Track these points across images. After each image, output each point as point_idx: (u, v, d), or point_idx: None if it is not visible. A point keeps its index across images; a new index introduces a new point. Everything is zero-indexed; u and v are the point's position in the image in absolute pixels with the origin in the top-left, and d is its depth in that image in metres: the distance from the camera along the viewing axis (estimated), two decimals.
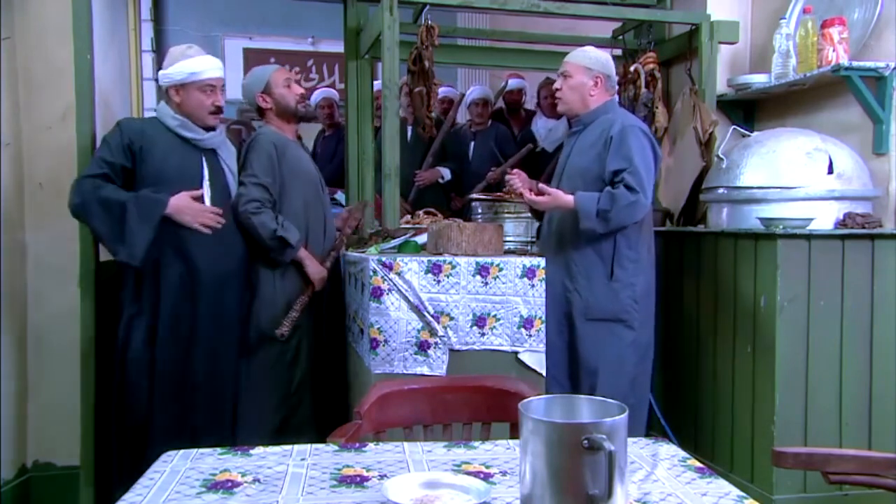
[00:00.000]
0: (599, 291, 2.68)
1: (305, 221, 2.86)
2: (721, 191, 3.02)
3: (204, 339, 2.57)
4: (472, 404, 1.76)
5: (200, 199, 2.59)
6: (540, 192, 2.68)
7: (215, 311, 2.60)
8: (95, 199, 2.47)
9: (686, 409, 3.18)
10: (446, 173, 4.46)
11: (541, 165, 4.40)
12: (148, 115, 3.76)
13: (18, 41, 2.81)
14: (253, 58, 6.43)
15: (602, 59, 2.78)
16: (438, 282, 2.50)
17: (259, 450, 1.39)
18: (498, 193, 3.49)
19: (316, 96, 5.18)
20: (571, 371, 2.74)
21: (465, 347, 2.53)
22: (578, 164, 2.74)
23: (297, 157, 2.90)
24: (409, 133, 4.40)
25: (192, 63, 2.58)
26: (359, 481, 1.23)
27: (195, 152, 2.63)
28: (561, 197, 2.63)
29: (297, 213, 2.83)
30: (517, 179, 2.81)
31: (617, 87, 2.89)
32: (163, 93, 2.67)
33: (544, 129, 4.55)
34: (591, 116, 2.76)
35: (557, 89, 2.81)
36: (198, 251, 2.56)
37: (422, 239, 2.87)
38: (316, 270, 2.82)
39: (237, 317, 2.70)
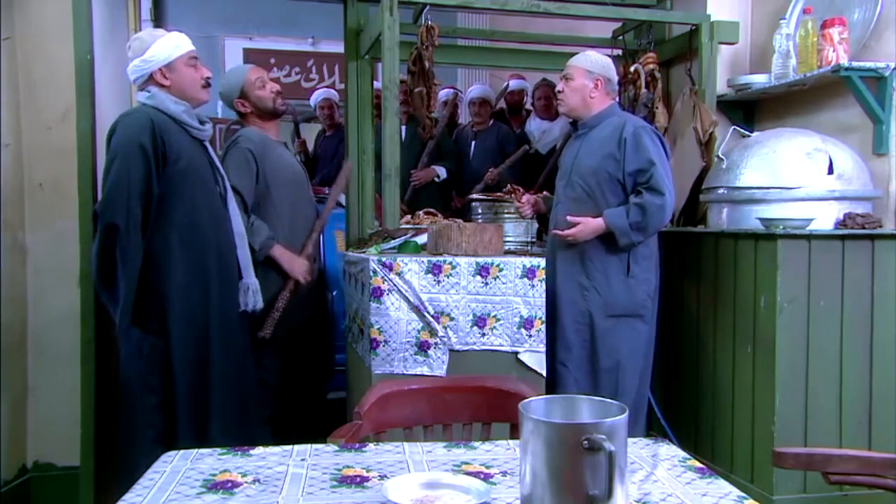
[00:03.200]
0: (617, 287, 2.73)
1: (290, 221, 2.87)
2: (721, 191, 3.02)
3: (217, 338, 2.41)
4: (473, 404, 1.76)
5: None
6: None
7: (224, 310, 2.46)
8: None
9: (686, 409, 3.18)
10: (442, 172, 4.46)
11: (535, 168, 4.41)
12: None
13: (18, 41, 2.81)
14: (253, 58, 6.43)
15: (603, 62, 2.84)
16: (438, 282, 2.50)
17: (259, 450, 1.39)
18: (498, 194, 3.49)
19: (316, 97, 5.19)
20: (593, 369, 2.76)
21: (465, 348, 2.53)
22: (588, 164, 2.77)
23: (279, 156, 2.91)
24: (404, 133, 4.39)
25: (170, 39, 2.40)
26: (359, 482, 1.23)
27: (198, 143, 2.45)
28: (591, 223, 2.69)
29: (281, 214, 2.84)
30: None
31: (617, 91, 2.94)
32: (143, 84, 2.39)
33: (538, 131, 4.56)
34: (596, 119, 2.82)
35: (559, 91, 2.86)
36: (203, 252, 2.40)
37: (422, 239, 2.87)
38: (291, 266, 2.81)
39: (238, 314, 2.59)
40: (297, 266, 2.83)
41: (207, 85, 2.47)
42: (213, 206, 2.44)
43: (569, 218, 2.73)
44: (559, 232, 2.75)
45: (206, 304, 2.37)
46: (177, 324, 2.29)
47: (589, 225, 2.69)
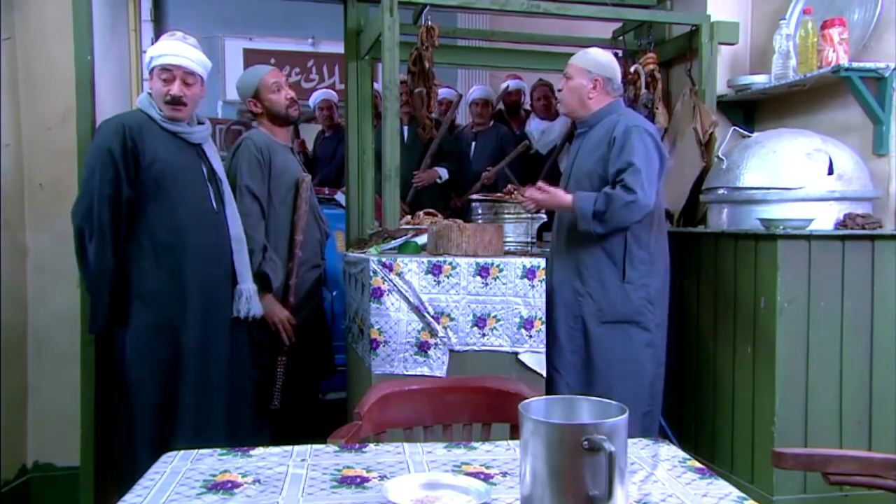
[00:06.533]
0: (612, 293, 2.66)
1: (290, 229, 2.86)
2: (721, 191, 3.02)
3: (197, 349, 2.41)
4: (473, 405, 1.76)
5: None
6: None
7: (207, 315, 2.45)
8: None
9: (686, 409, 3.18)
10: (444, 173, 4.46)
11: (536, 168, 4.41)
12: None
13: (18, 41, 2.81)
14: (253, 58, 6.43)
15: (603, 61, 2.76)
16: (438, 282, 2.50)
17: (259, 450, 1.39)
18: (498, 194, 3.49)
19: (315, 97, 5.19)
20: (587, 376, 2.71)
21: (465, 348, 2.53)
22: (584, 166, 2.72)
23: (283, 162, 2.89)
24: (406, 134, 4.40)
25: (158, 46, 2.40)
26: (359, 482, 1.23)
27: (188, 147, 2.45)
28: (559, 195, 2.66)
29: (280, 216, 2.83)
30: (531, 202, 2.88)
31: (622, 89, 2.86)
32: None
33: (538, 131, 4.56)
34: (595, 118, 2.75)
35: (559, 91, 2.82)
36: (182, 255, 2.39)
37: (422, 239, 2.87)
38: (274, 317, 2.76)
39: (230, 319, 2.54)
40: (278, 311, 2.77)
41: (174, 101, 2.38)
42: (199, 209, 2.43)
43: (540, 184, 2.72)
44: (521, 196, 2.76)
45: (182, 309, 2.37)
46: (146, 327, 2.34)
47: (556, 196, 2.66)
